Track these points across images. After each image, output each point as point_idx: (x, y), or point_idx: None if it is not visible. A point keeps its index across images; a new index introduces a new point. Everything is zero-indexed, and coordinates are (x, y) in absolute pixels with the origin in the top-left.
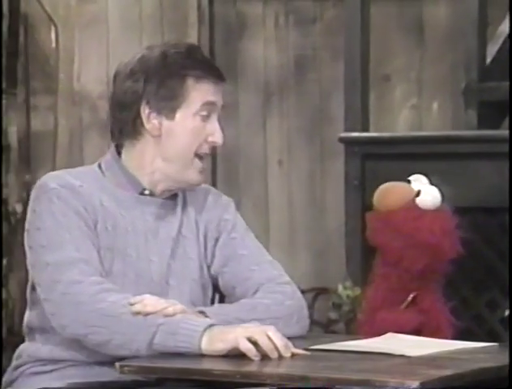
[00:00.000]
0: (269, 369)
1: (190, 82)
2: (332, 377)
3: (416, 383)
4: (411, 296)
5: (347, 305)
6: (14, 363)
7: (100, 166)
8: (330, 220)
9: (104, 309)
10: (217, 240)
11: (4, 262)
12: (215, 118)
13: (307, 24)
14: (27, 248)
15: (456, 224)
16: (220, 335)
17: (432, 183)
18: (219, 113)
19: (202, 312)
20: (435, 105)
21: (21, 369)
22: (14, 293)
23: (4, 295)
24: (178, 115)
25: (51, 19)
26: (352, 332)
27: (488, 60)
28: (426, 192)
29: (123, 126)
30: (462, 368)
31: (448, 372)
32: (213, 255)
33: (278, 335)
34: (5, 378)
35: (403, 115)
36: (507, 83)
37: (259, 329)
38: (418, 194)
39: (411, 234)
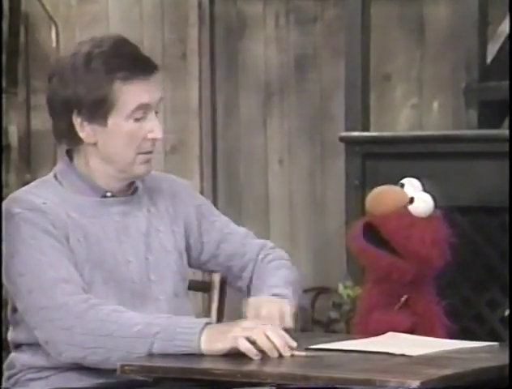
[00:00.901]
0: (270, 368)
1: (117, 85)
2: (333, 376)
3: (416, 383)
4: (404, 298)
5: (347, 305)
6: (6, 373)
7: (55, 177)
8: (331, 219)
9: (97, 329)
10: (200, 228)
11: None
12: (152, 115)
13: (307, 24)
14: (5, 279)
15: (446, 233)
16: (219, 335)
17: (425, 188)
18: (158, 107)
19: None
20: (435, 105)
21: (16, 377)
22: None
23: (4, 295)
24: (110, 121)
25: (52, 19)
26: (352, 332)
27: (489, 59)
28: (419, 199)
29: (61, 134)
30: (462, 367)
31: (449, 371)
32: (201, 244)
33: (276, 334)
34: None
35: (403, 114)
36: (508, 83)
37: (257, 328)
38: (411, 201)
39: (402, 244)
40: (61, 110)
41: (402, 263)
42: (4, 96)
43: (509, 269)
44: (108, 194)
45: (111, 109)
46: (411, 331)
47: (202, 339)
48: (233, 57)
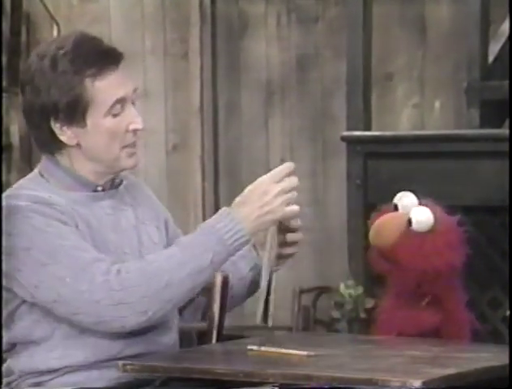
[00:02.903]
0: (272, 368)
1: (88, 83)
2: (335, 376)
3: (418, 382)
4: (429, 297)
5: (349, 304)
6: (5, 380)
7: (41, 175)
8: (333, 218)
9: (151, 288)
10: (170, 234)
11: None
12: (130, 107)
13: (309, 23)
14: (14, 271)
15: (458, 231)
16: (252, 216)
17: (419, 200)
18: (134, 97)
19: None
20: (437, 104)
21: (16, 383)
22: None
23: None
24: (89, 121)
25: (53, 18)
26: (354, 331)
27: (491, 59)
28: (416, 217)
29: (43, 142)
30: (464, 367)
31: (451, 371)
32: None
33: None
34: None
35: (405, 114)
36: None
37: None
38: (410, 222)
39: (420, 265)
40: (39, 119)
41: (425, 276)
42: (5, 95)
43: (510, 269)
44: (99, 188)
45: (87, 109)
46: (438, 329)
47: (245, 225)
48: (235, 57)
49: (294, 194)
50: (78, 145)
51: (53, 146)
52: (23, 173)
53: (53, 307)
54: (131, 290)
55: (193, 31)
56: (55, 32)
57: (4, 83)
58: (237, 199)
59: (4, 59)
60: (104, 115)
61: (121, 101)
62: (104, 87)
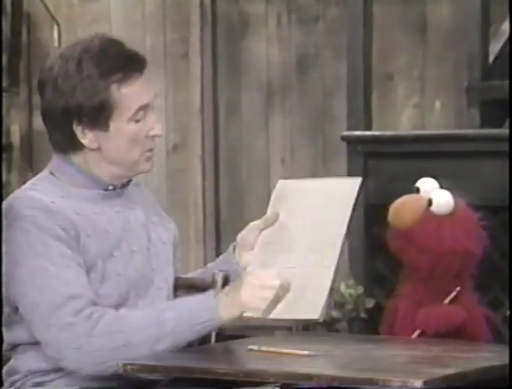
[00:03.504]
0: (273, 367)
1: (114, 89)
2: (336, 375)
3: (419, 382)
4: (456, 290)
5: (349, 304)
6: (8, 379)
7: (52, 173)
8: None
9: (109, 343)
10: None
11: None
12: (151, 113)
13: (309, 23)
14: (7, 282)
15: (475, 221)
16: (232, 303)
17: (441, 185)
18: (154, 103)
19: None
20: (438, 104)
21: (21, 382)
22: None
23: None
24: (112, 126)
25: (53, 18)
26: (354, 331)
27: (491, 58)
28: (437, 198)
29: (61, 143)
30: (465, 367)
31: (451, 371)
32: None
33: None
34: None
35: (405, 114)
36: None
37: (257, 287)
38: (430, 203)
39: (435, 247)
40: (61, 120)
41: (441, 263)
42: (6, 95)
43: (510, 269)
44: (110, 187)
45: (112, 114)
46: (462, 326)
47: (220, 311)
48: (235, 57)
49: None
50: (98, 149)
51: (70, 147)
52: (23, 172)
53: (31, 326)
54: (94, 340)
55: (193, 31)
56: (55, 32)
57: (4, 83)
58: (234, 284)
59: (4, 59)
60: (127, 120)
61: (145, 107)
62: (130, 94)
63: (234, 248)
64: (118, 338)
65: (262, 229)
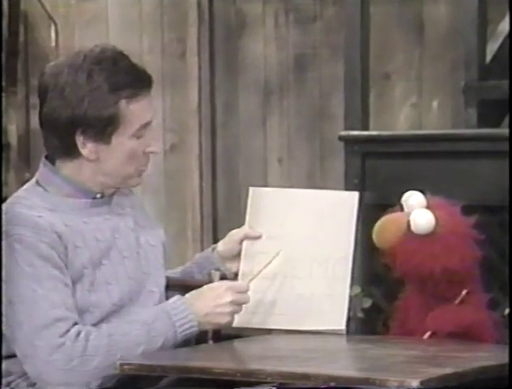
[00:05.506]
0: (270, 367)
1: (123, 104)
2: (333, 375)
3: (416, 382)
4: (465, 291)
5: None
6: (4, 380)
7: (38, 183)
8: None
9: (102, 362)
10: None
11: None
12: (151, 130)
13: (307, 23)
14: None
15: (463, 234)
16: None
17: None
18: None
19: None
20: (435, 104)
21: (15, 383)
22: None
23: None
24: (114, 140)
25: (51, 18)
26: (351, 331)
27: (489, 58)
28: (416, 219)
29: (56, 149)
30: (462, 367)
31: (448, 371)
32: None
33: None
34: None
35: (403, 113)
36: (507, 82)
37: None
38: (408, 225)
39: (414, 269)
40: (63, 129)
41: (434, 277)
42: (3, 95)
43: (509, 268)
44: (98, 195)
45: (118, 128)
46: (472, 328)
47: (196, 318)
48: (233, 57)
49: (242, 308)
50: (96, 160)
51: (65, 154)
52: (20, 172)
53: (13, 346)
54: (85, 358)
55: (190, 30)
56: (53, 32)
57: (2, 83)
58: (194, 292)
59: (2, 59)
60: (130, 136)
61: (147, 125)
62: (137, 110)
63: (213, 249)
64: (111, 355)
65: (243, 240)
